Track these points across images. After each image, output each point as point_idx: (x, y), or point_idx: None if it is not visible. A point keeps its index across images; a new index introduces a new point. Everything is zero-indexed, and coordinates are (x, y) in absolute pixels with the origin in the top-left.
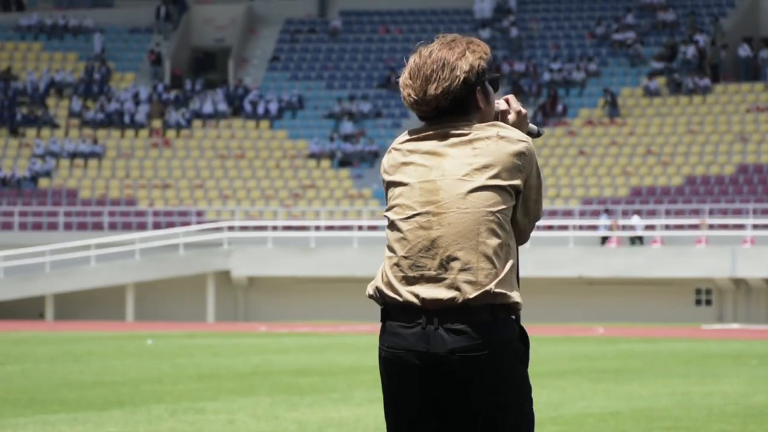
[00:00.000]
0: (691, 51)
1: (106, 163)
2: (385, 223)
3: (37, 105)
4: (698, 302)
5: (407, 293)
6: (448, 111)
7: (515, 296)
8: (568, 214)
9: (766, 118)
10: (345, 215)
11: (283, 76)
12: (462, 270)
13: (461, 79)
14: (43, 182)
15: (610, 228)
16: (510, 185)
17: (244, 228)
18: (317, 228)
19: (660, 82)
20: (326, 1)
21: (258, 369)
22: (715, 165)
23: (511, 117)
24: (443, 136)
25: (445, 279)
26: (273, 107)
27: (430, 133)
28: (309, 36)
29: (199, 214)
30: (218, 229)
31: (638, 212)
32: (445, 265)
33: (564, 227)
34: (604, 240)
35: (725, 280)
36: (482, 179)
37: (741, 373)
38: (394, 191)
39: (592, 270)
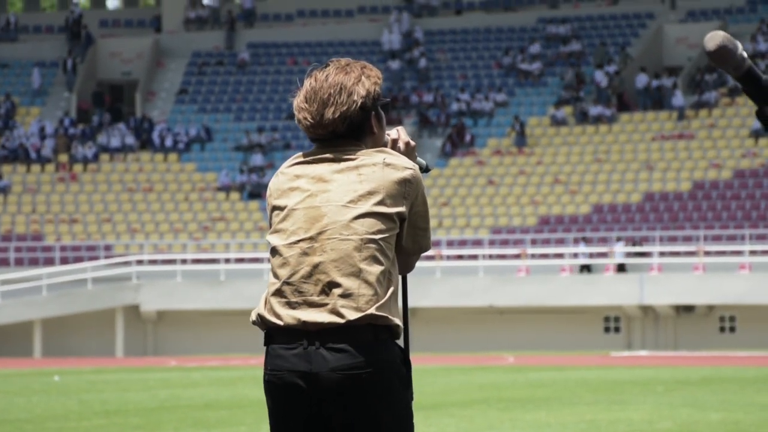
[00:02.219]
0: (596, 80)
1: (11, 199)
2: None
3: None
4: (607, 330)
5: (288, 317)
6: (343, 135)
7: (396, 320)
8: (477, 243)
9: (671, 147)
10: (255, 247)
11: (191, 108)
12: (342, 296)
13: (358, 104)
14: None
15: (589, 256)
16: (395, 212)
17: (152, 262)
18: (227, 260)
19: (566, 111)
20: (234, 34)
21: (165, 404)
22: (622, 193)
23: (401, 147)
24: (330, 161)
25: (326, 304)
26: (181, 140)
27: (317, 157)
28: (217, 68)
29: (107, 248)
30: (126, 263)
31: (620, 239)
32: (326, 291)
33: (474, 257)
34: (585, 268)
35: (633, 308)
36: (366, 206)
37: (648, 399)
38: (279, 215)
39: (502, 299)
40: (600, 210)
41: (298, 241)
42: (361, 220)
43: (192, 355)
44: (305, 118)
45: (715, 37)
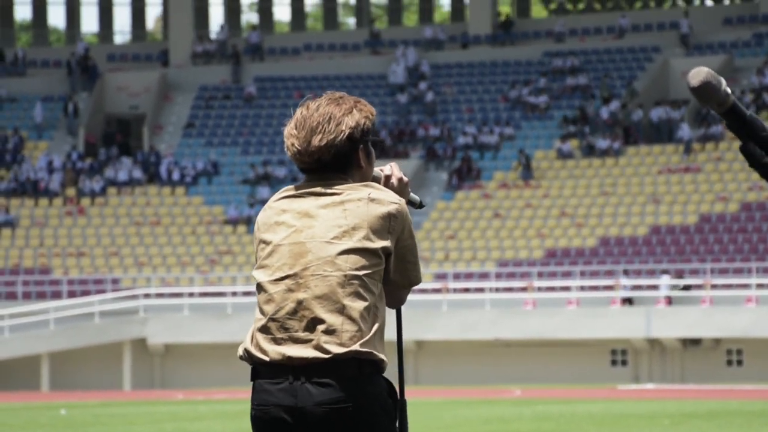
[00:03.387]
0: (603, 114)
1: (19, 232)
2: None
3: None
4: (614, 363)
5: (274, 353)
6: (330, 165)
7: (381, 354)
8: (484, 276)
9: (677, 180)
10: None
11: (198, 142)
12: (326, 332)
13: (346, 134)
14: None
15: (630, 288)
16: (380, 247)
17: (160, 295)
18: (234, 294)
19: (573, 144)
20: (241, 68)
21: None
22: (629, 226)
23: (394, 183)
24: (316, 196)
25: (311, 340)
26: (188, 173)
27: (304, 191)
28: (224, 102)
29: (115, 281)
30: (134, 297)
31: (666, 271)
32: (311, 327)
33: (480, 290)
34: (627, 301)
35: (640, 341)
36: (351, 242)
37: None
38: (265, 250)
39: (508, 332)
40: (607, 243)
41: (283, 277)
42: (345, 256)
43: (199, 388)
44: (293, 145)
45: (698, 74)
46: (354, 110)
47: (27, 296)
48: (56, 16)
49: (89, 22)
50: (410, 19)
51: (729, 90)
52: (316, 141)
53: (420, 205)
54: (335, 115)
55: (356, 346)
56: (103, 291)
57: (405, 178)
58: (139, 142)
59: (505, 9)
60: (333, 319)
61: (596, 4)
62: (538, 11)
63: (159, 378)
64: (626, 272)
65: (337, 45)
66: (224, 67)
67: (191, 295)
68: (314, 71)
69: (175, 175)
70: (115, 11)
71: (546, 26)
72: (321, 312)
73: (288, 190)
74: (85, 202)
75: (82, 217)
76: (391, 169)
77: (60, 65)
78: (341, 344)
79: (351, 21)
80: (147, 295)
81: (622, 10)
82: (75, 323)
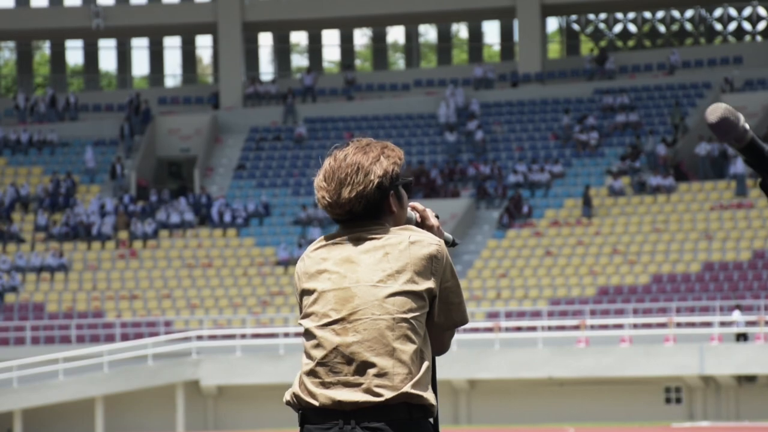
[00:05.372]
0: (654, 150)
1: (72, 276)
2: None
3: (3, 220)
4: (668, 400)
5: (323, 397)
6: (362, 215)
7: (431, 398)
8: (536, 314)
9: (729, 216)
10: None
11: (249, 183)
12: (377, 375)
13: (375, 184)
14: (10, 297)
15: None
16: (424, 290)
17: (212, 337)
18: (286, 335)
19: (624, 181)
20: (291, 109)
21: None
22: (681, 263)
23: (432, 223)
24: (356, 241)
25: (361, 384)
26: (239, 215)
27: (343, 238)
28: (274, 143)
29: (167, 324)
30: (186, 339)
31: (738, 307)
32: (360, 370)
33: (533, 328)
34: (741, 337)
35: (694, 378)
36: (396, 285)
37: None
38: (309, 299)
39: (561, 370)
40: (659, 280)
41: (331, 322)
42: (392, 299)
43: (252, 430)
44: (323, 197)
45: (716, 110)
46: (381, 157)
47: (81, 339)
48: (107, 61)
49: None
50: (459, 58)
51: (747, 126)
52: (345, 193)
53: (453, 244)
54: (363, 164)
55: (407, 388)
56: (156, 333)
57: (436, 223)
58: (190, 184)
59: (555, 47)
60: (384, 363)
61: (646, 40)
62: (587, 49)
63: (212, 420)
64: (739, 307)
65: (386, 85)
66: (274, 109)
67: (243, 336)
68: (364, 111)
69: (227, 217)
70: (166, 54)
71: (589, 65)
72: (371, 355)
73: (324, 239)
74: (137, 245)
75: (134, 260)
76: (425, 213)
77: (112, 109)
78: (393, 387)
79: (400, 61)
80: (200, 337)
81: (673, 47)
82: (128, 366)
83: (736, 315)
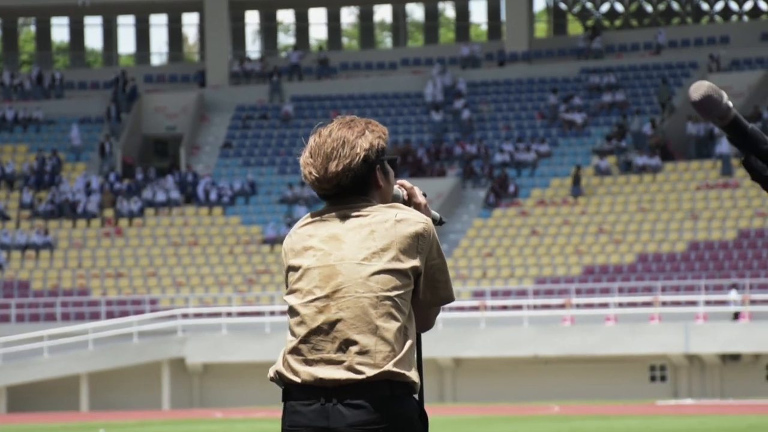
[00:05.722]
0: (640, 130)
1: (58, 254)
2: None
3: None
4: (653, 379)
5: (306, 374)
6: (349, 189)
7: (413, 376)
8: (522, 293)
9: (715, 196)
10: None
11: (236, 162)
12: (359, 353)
13: (361, 157)
14: None
15: (742, 302)
16: (409, 268)
17: (198, 315)
18: (272, 313)
19: (610, 161)
20: (278, 87)
21: None
22: (667, 242)
23: (420, 201)
24: (342, 218)
25: (343, 361)
26: (226, 194)
27: (330, 215)
28: (260, 122)
29: (153, 302)
30: (172, 317)
31: (735, 286)
32: (343, 348)
33: (518, 307)
34: (737, 316)
35: (679, 356)
36: (381, 263)
37: None
38: (294, 275)
39: (547, 349)
40: (645, 259)
41: (314, 299)
42: (377, 277)
43: (238, 407)
44: (310, 173)
45: (699, 88)
46: (366, 132)
47: (66, 317)
48: (93, 38)
49: (126, 43)
50: (446, 37)
51: (731, 104)
52: (332, 167)
53: (440, 222)
54: (348, 138)
55: (389, 366)
56: (141, 311)
57: (424, 201)
58: (176, 162)
59: (542, 27)
60: (366, 340)
61: (633, 20)
62: (574, 28)
63: (197, 397)
64: (736, 286)
65: (373, 64)
66: (261, 87)
67: (229, 314)
68: (351, 90)
69: (213, 196)
70: (152, 32)
71: (583, 43)
72: (353, 333)
73: (312, 215)
74: (123, 223)
75: (120, 239)
76: (412, 191)
77: (98, 87)
78: (375, 365)
79: (387, 40)
80: (185, 315)
81: (659, 26)
82: (114, 344)
83: (733, 294)
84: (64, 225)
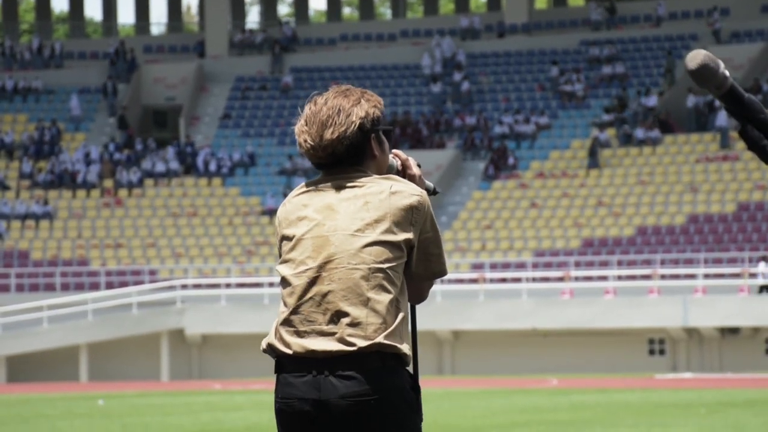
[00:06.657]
0: (640, 102)
1: (57, 224)
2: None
3: None
4: (651, 352)
5: (297, 346)
6: (344, 157)
7: (405, 348)
8: (521, 266)
9: (715, 168)
10: None
11: (235, 133)
12: (351, 325)
13: (357, 125)
14: None
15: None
16: (402, 240)
17: (197, 286)
18: (271, 284)
19: (610, 133)
20: (277, 58)
21: (208, 427)
22: (666, 215)
23: (414, 173)
24: (337, 189)
25: (334, 333)
26: (225, 165)
27: (325, 185)
28: (260, 93)
29: (152, 273)
30: (171, 288)
31: (764, 258)
32: (334, 320)
33: (517, 279)
34: (764, 289)
35: (678, 330)
36: (374, 234)
37: (690, 422)
38: (288, 245)
39: (546, 322)
40: (644, 232)
41: (306, 270)
42: (369, 248)
43: (236, 379)
44: (305, 141)
45: (696, 57)
46: (362, 100)
47: (65, 287)
48: (93, 8)
49: (126, 13)
50: (446, 8)
51: (727, 73)
52: (328, 135)
53: (434, 192)
54: (344, 107)
55: (380, 339)
56: (140, 282)
57: (419, 172)
58: (175, 133)
59: None
60: (357, 312)
61: None
62: (574, 0)
63: (196, 368)
64: (765, 259)
65: (372, 35)
66: (260, 58)
67: (228, 285)
68: (350, 61)
69: (212, 166)
70: (152, 2)
71: (583, 15)
72: (345, 305)
73: (307, 184)
74: (123, 193)
75: (119, 209)
76: (407, 161)
77: (97, 57)
78: (365, 337)
79: (387, 11)
80: (184, 286)
81: None
82: (113, 314)
83: (762, 267)
84: (64, 195)
